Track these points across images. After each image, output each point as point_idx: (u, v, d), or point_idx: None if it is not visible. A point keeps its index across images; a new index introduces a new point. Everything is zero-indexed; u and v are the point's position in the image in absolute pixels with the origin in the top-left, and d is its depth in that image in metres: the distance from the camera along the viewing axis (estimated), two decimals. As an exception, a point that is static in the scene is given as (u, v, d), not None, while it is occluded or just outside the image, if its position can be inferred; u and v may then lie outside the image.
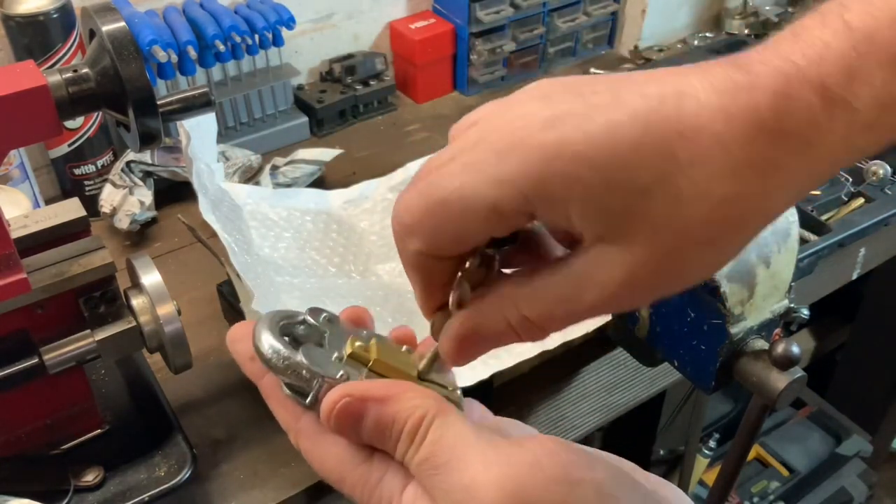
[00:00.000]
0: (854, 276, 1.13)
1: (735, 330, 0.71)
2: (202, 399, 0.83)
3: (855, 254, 1.09)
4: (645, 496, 0.34)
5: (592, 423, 0.99)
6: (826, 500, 1.78)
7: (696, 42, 1.50)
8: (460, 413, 0.36)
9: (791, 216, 0.72)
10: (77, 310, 0.68)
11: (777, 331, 0.75)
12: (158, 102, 0.59)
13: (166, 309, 0.68)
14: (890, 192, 1.06)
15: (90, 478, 0.71)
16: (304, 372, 0.37)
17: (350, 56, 1.29)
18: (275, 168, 1.10)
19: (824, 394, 2.00)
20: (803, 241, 0.97)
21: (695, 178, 0.29)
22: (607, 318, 0.81)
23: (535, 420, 0.92)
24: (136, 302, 0.69)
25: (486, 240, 0.34)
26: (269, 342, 0.39)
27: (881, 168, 1.06)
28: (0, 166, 0.96)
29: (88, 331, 0.67)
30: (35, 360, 0.66)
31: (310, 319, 0.41)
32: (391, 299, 0.88)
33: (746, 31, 1.52)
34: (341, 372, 0.38)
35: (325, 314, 0.41)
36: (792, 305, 0.74)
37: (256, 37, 1.11)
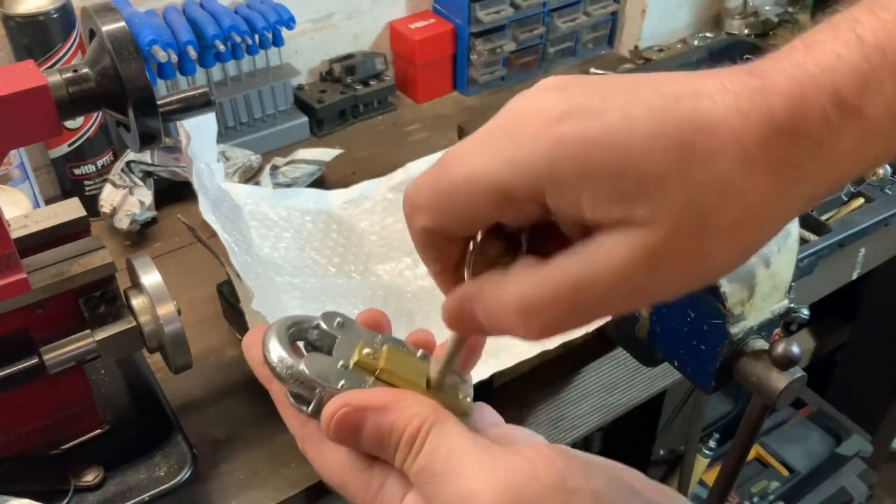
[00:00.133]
0: (854, 276, 1.13)
1: (735, 330, 0.71)
2: (202, 399, 0.83)
3: (855, 254, 1.09)
4: None
5: (592, 423, 0.99)
6: (826, 500, 1.78)
7: (696, 42, 1.50)
8: (458, 422, 0.36)
9: (791, 216, 0.72)
10: (77, 310, 0.68)
11: (777, 331, 0.75)
12: (158, 102, 0.59)
13: (166, 309, 0.68)
14: (890, 192, 1.06)
15: (90, 478, 0.71)
16: (306, 381, 0.38)
17: (350, 56, 1.29)
18: (275, 168, 1.10)
19: (824, 394, 2.00)
20: (803, 241, 0.97)
21: (711, 169, 0.30)
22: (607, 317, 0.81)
23: (535, 420, 0.92)
24: (136, 302, 0.69)
25: (493, 224, 0.34)
26: (276, 351, 0.39)
27: (881, 168, 1.06)
28: (0, 166, 0.96)
29: (88, 331, 0.67)
30: (35, 360, 0.66)
31: (322, 325, 0.41)
32: (391, 299, 0.88)
33: (746, 31, 1.52)
34: (342, 381, 0.38)
35: (338, 319, 0.41)
36: (792, 305, 0.74)
37: (256, 37, 1.11)
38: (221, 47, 1.07)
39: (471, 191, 0.32)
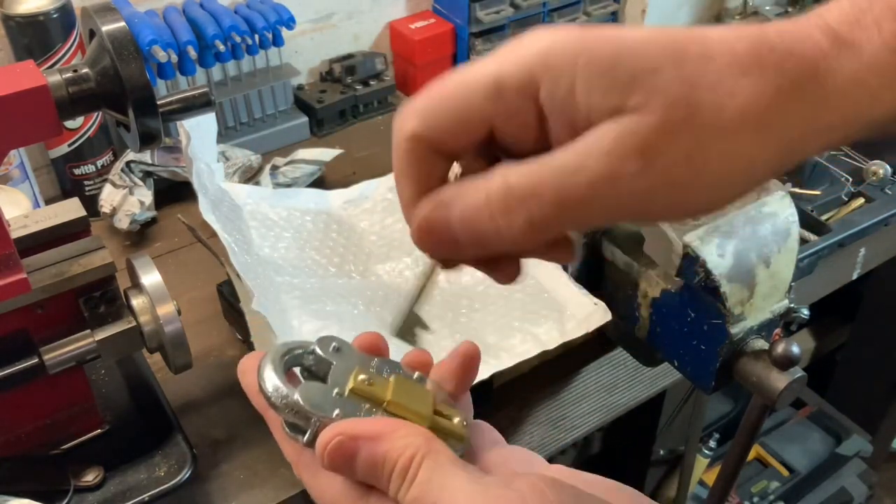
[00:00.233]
0: (854, 276, 1.14)
1: (735, 330, 0.71)
2: (202, 399, 0.83)
3: (855, 254, 1.09)
4: None
5: (592, 423, 0.99)
6: (826, 500, 1.78)
7: (696, 42, 1.50)
8: (451, 453, 0.36)
9: (791, 216, 0.72)
10: (77, 310, 0.68)
11: (777, 331, 0.75)
12: (158, 102, 0.59)
13: (166, 309, 0.68)
14: (890, 192, 1.06)
15: (90, 478, 0.71)
16: (301, 411, 0.38)
17: (350, 56, 1.29)
18: (275, 168, 1.10)
19: (824, 394, 2.00)
20: (803, 241, 0.97)
21: (704, 69, 0.30)
22: (607, 317, 0.81)
23: (534, 420, 0.92)
24: (136, 302, 0.69)
25: (485, 130, 0.33)
26: (271, 380, 0.39)
27: (881, 168, 1.07)
28: (0, 166, 0.96)
29: (88, 331, 0.67)
30: (35, 360, 0.66)
31: (318, 350, 0.41)
32: (391, 299, 0.88)
33: (746, 31, 1.52)
34: (337, 411, 0.38)
35: (334, 343, 0.41)
36: (792, 305, 0.74)
37: (256, 37, 1.11)
38: (221, 47, 1.07)
39: (465, 86, 0.32)
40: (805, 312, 0.75)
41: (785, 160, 0.32)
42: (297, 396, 0.38)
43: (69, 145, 1.04)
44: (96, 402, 0.75)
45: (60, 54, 0.96)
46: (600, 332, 0.83)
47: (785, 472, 1.83)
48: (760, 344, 0.72)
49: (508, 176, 0.32)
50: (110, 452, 0.74)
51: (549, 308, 0.85)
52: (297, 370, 0.41)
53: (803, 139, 0.32)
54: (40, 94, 0.56)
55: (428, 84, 0.34)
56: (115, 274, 0.69)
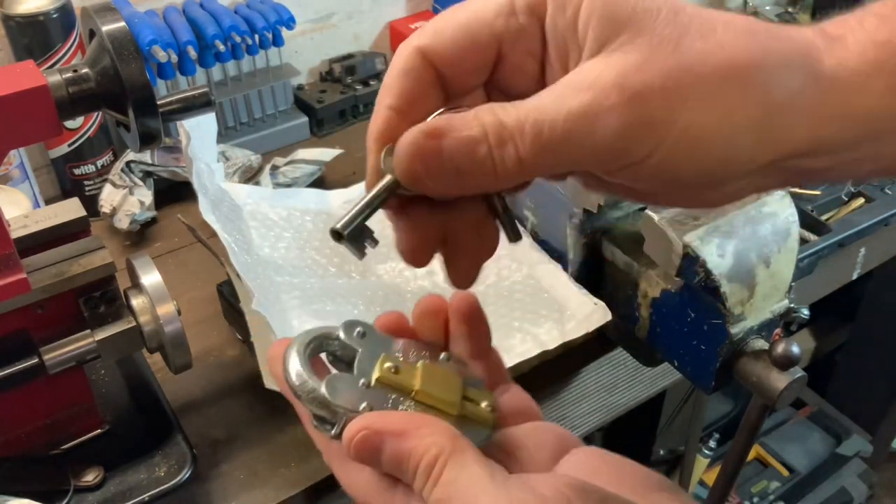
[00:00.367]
0: (854, 276, 1.13)
1: (735, 330, 0.71)
2: (202, 399, 0.83)
3: (855, 254, 1.09)
4: None
5: (592, 423, 0.99)
6: (826, 500, 1.78)
7: (696, 42, 1.50)
8: (476, 453, 0.35)
9: (791, 216, 0.72)
10: (77, 310, 0.68)
11: (777, 331, 0.75)
12: (158, 102, 0.59)
13: (166, 309, 0.68)
14: (890, 192, 1.06)
15: (90, 478, 0.71)
16: (327, 405, 0.37)
17: (350, 56, 1.29)
18: (275, 168, 1.10)
19: (824, 394, 2.00)
20: (803, 241, 0.97)
21: (699, 20, 0.32)
22: (607, 317, 0.81)
23: (535, 420, 0.91)
24: (136, 302, 0.69)
25: (492, 55, 0.34)
26: (296, 372, 0.38)
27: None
28: (0, 166, 0.96)
29: (88, 331, 0.67)
30: (35, 360, 0.66)
31: (342, 336, 0.40)
32: (391, 299, 0.88)
33: (746, 31, 1.52)
34: (363, 404, 0.37)
35: (359, 328, 0.40)
36: (792, 305, 0.74)
37: (256, 37, 1.11)
38: (221, 47, 1.07)
39: (480, 3, 0.34)
40: (805, 312, 0.75)
41: (767, 132, 0.32)
42: (323, 390, 0.37)
43: (69, 145, 1.04)
44: (96, 402, 0.75)
45: (60, 54, 0.96)
46: (600, 332, 0.82)
47: (785, 472, 1.83)
48: (760, 344, 0.72)
49: (497, 111, 0.32)
50: (110, 452, 0.74)
51: (549, 308, 0.85)
52: (323, 356, 0.41)
53: (790, 112, 0.32)
54: (40, 94, 0.56)
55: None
56: (115, 274, 0.69)
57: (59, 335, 0.67)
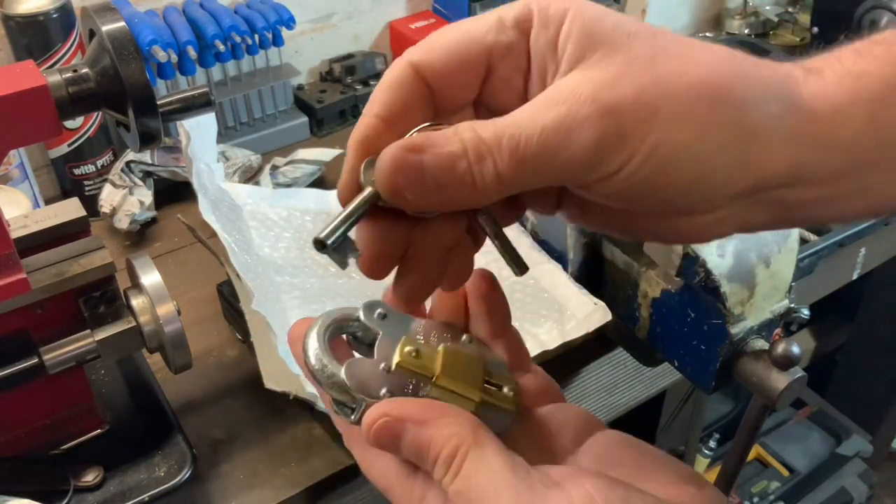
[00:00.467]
0: (854, 277, 1.13)
1: (735, 330, 0.71)
2: (202, 399, 0.83)
3: (855, 254, 1.09)
4: None
5: (592, 423, 0.99)
6: (826, 500, 1.78)
7: (696, 42, 1.50)
8: (498, 445, 0.35)
9: (791, 216, 0.72)
10: (77, 310, 0.68)
11: (777, 331, 0.75)
12: (158, 102, 0.59)
13: (166, 309, 0.68)
14: (890, 192, 1.06)
15: (90, 478, 0.71)
16: (347, 390, 0.37)
17: (350, 56, 1.29)
18: (275, 168, 1.10)
19: (824, 394, 2.00)
20: (803, 241, 0.97)
21: (677, 41, 0.33)
22: (608, 317, 0.81)
23: (535, 420, 0.91)
24: (136, 302, 0.69)
25: (482, 70, 0.35)
26: (316, 355, 0.38)
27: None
28: (0, 166, 0.96)
29: (88, 331, 0.67)
30: (35, 360, 0.66)
31: (363, 318, 0.40)
32: (391, 299, 0.88)
33: (746, 31, 1.52)
34: (383, 390, 0.37)
35: (379, 310, 0.40)
36: (792, 305, 0.74)
37: (256, 37, 1.11)
38: (221, 47, 1.07)
39: (471, 21, 0.35)
40: (805, 312, 0.75)
41: (742, 154, 0.32)
42: (342, 375, 0.37)
43: (69, 145, 1.04)
44: (96, 402, 0.75)
45: (60, 54, 0.96)
46: (600, 332, 0.82)
47: (785, 472, 1.83)
48: (760, 344, 0.72)
49: (476, 127, 0.33)
50: (110, 452, 0.74)
51: (549, 308, 0.85)
52: (346, 338, 0.41)
53: (768, 136, 0.32)
54: (40, 94, 0.56)
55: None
56: (115, 274, 0.69)
57: (59, 335, 0.67)
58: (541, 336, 0.82)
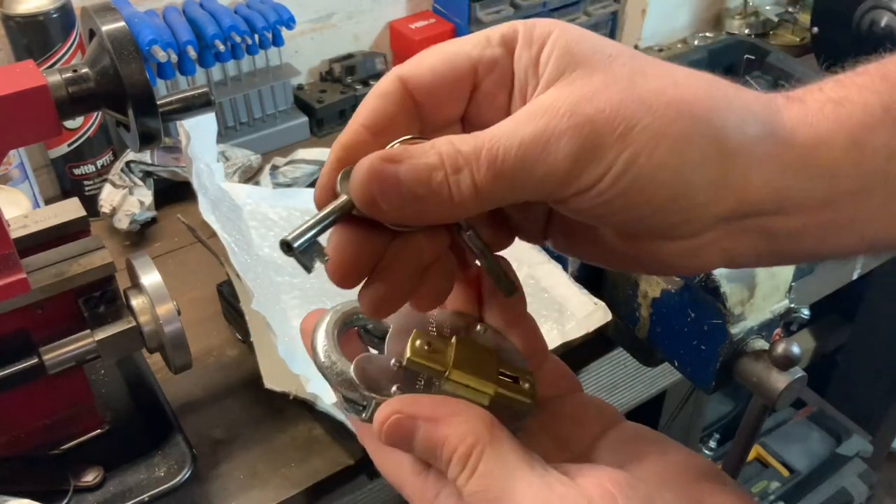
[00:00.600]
0: (854, 277, 1.13)
1: (735, 330, 0.71)
2: (202, 399, 0.83)
3: (855, 254, 1.09)
4: None
5: (592, 423, 0.99)
6: (826, 500, 1.77)
7: (696, 42, 1.50)
8: (514, 442, 0.34)
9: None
10: (77, 310, 0.68)
11: (777, 331, 0.75)
12: (158, 102, 0.59)
13: (166, 309, 0.68)
14: (890, 192, 1.06)
15: (90, 478, 0.71)
16: (357, 388, 0.36)
17: (350, 56, 1.29)
18: (275, 168, 1.10)
19: (824, 394, 2.00)
20: (803, 241, 0.97)
21: (658, 63, 0.33)
22: (608, 317, 0.81)
23: (535, 420, 0.91)
24: (136, 302, 0.69)
25: (468, 85, 0.35)
26: (325, 352, 0.37)
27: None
28: (0, 166, 0.96)
29: (88, 331, 0.67)
30: (35, 360, 0.66)
31: None
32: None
33: (746, 31, 1.52)
34: (394, 387, 0.36)
35: None
36: (792, 305, 0.74)
37: (256, 37, 1.11)
38: (221, 47, 1.07)
39: (459, 39, 0.36)
40: (805, 312, 0.75)
41: (722, 174, 0.32)
42: (352, 373, 0.36)
43: (69, 145, 1.03)
44: (96, 402, 0.75)
45: (60, 54, 0.96)
46: (600, 332, 0.83)
47: (785, 473, 1.83)
48: (760, 344, 0.72)
49: (454, 141, 0.33)
50: (110, 452, 0.74)
51: (549, 308, 0.85)
52: (359, 331, 0.40)
53: (748, 158, 0.32)
54: (40, 94, 0.56)
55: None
56: (115, 274, 0.69)
57: (59, 335, 0.67)
58: (541, 336, 0.82)
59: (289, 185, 1.08)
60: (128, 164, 1.04)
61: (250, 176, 1.10)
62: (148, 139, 0.60)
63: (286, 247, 0.34)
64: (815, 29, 1.39)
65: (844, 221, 0.33)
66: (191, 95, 0.62)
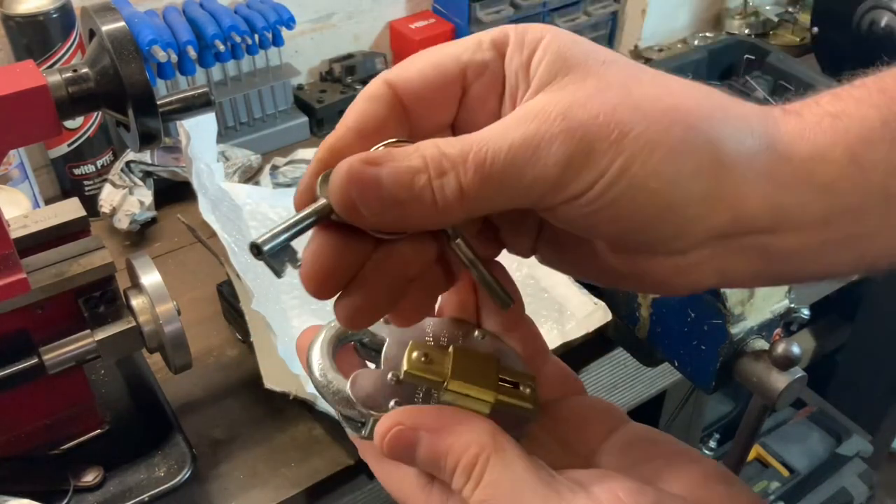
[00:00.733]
0: (854, 276, 1.13)
1: (735, 330, 0.71)
2: (202, 399, 0.83)
3: (855, 254, 1.09)
4: None
5: (592, 423, 0.99)
6: (826, 500, 1.77)
7: (696, 42, 1.50)
8: (519, 451, 0.33)
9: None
10: (77, 310, 0.68)
11: (777, 331, 0.75)
12: (158, 102, 0.59)
13: (166, 309, 0.68)
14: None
15: (90, 478, 0.71)
16: (354, 405, 0.35)
17: (350, 56, 1.29)
18: (275, 168, 1.10)
19: (824, 394, 2.00)
20: (803, 241, 0.97)
21: (653, 72, 0.33)
22: (608, 317, 0.81)
23: (535, 420, 0.91)
24: (136, 302, 0.69)
25: (458, 87, 0.35)
26: (320, 370, 0.37)
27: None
28: (0, 166, 0.96)
29: (88, 331, 0.67)
30: (35, 360, 0.66)
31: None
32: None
33: (746, 31, 1.52)
34: (392, 402, 0.35)
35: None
36: (792, 305, 0.74)
37: (256, 37, 1.11)
38: (221, 47, 1.07)
39: (450, 43, 0.35)
40: (805, 312, 0.75)
41: (716, 186, 0.31)
42: (349, 391, 0.35)
43: (69, 145, 1.03)
44: (96, 402, 0.75)
45: (60, 54, 0.96)
46: (600, 332, 0.83)
47: (785, 473, 1.83)
48: (760, 344, 0.72)
49: (440, 144, 0.32)
50: (110, 452, 0.74)
51: (549, 308, 0.85)
52: (357, 346, 0.39)
53: (744, 171, 0.31)
54: (40, 94, 0.56)
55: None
56: (115, 274, 0.69)
57: (59, 335, 0.67)
58: (541, 336, 0.82)
59: (289, 185, 1.09)
60: (128, 164, 1.04)
61: (250, 176, 1.10)
62: (148, 139, 0.60)
63: (255, 250, 0.33)
64: (815, 29, 1.39)
65: (842, 240, 0.32)
66: (191, 95, 0.62)
